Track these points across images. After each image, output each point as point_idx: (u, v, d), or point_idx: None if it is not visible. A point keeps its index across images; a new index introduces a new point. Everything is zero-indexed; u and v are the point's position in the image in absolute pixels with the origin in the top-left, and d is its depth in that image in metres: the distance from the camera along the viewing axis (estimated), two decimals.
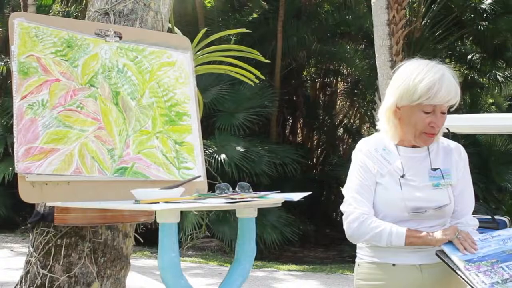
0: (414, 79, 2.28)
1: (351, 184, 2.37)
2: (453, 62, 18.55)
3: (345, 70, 17.29)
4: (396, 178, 2.32)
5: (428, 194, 2.31)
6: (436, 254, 2.21)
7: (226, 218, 11.36)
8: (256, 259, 2.90)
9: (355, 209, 2.31)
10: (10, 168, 12.01)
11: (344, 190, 2.40)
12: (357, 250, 2.44)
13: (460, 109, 15.74)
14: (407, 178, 2.32)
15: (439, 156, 2.39)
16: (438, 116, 2.29)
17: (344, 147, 17.30)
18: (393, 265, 2.30)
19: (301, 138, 17.49)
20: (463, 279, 2.10)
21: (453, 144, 2.46)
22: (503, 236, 2.19)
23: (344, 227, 2.35)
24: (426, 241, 2.23)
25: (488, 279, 2.06)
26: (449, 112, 2.37)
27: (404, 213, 2.29)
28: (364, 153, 2.37)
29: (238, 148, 12.51)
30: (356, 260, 2.45)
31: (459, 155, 2.44)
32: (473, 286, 2.05)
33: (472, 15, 16.04)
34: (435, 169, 2.35)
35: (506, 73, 17.27)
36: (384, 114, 2.39)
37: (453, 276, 2.19)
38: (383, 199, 2.31)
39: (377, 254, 2.33)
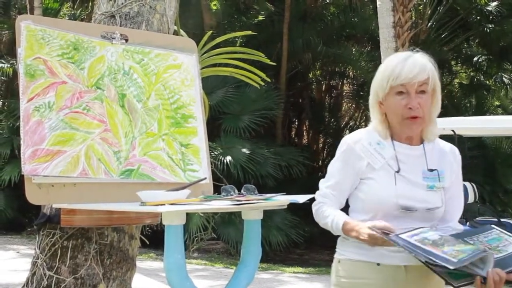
0: (383, 70, 2.34)
1: (329, 178, 2.39)
2: (459, 64, 18.55)
3: (350, 72, 17.30)
4: (391, 173, 2.28)
5: (422, 194, 2.28)
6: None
7: (232, 220, 11.36)
8: (261, 261, 2.90)
9: (318, 196, 2.36)
10: (17, 170, 12.04)
11: (321, 182, 2.40)
12: (338, 246, 2.40)
13: (466, 112, 15.73)
14: (402, 174, 2.29)
15: (435, 157, 2.36)
16: (413, 96, 2.26)
17: None
18: (378, 264, 2.26)
19: (306, 140, 17.49)
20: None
21: (448, 146, 2.43)
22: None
23: None
24: (356, 237, 2.21)
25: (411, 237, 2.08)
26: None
27: (394, 210, 2.25)
28: (357, 147, 2.33)
29: (244, 150, 12.52)
30: (336, 256, 2.39)
31: (454, 158, 2.40)
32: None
33: (478, 17, 16.02)
34: (432, 170, 2.32)
35: None
36: (372, 112, 2.40)
37: (438, 277, 2.17)
38: (375, 194, 2.27)
39: (362, 252, 2.28)
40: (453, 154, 2.41)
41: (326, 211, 2.31)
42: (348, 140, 2.37)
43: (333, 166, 2.39)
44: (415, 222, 2.26)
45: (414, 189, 2.27)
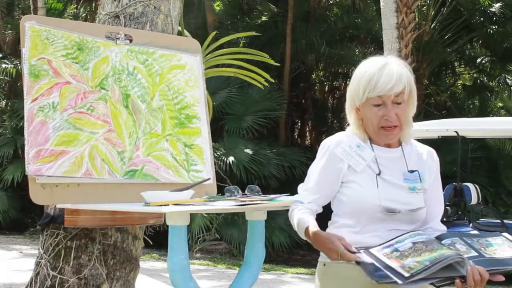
0: (359, 78, 2.30)
1: (307, 181, 2.34)
2: (463, 66, 18.54)
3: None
4: (372, 176, 2.27)
5: (404, 196, 2.27)
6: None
7: (235, 220, 11.37)
8: (264, 262, 2.90)
9: (295, 199, 2.32)
10: (20, 170, 12.06)
11: (299, 186, 2.36)
12: None
13: (469, 113, 15.72)
14: (383, 177, 2.27)
15: (413, 159, 2.35)
16: (389, 108, 2.24)
17: None
18: None
19: (309, 141, 17.49)
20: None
21: (425, 148, 2.42)
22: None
23: None
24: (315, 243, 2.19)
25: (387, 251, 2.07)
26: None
27: (377, 213, 2.24)
28: (337, 150, 2.30)
29: (247, 150, 12.53)
30: (321, 259, 2.34)
31: (432, 159, 2.39)
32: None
33: (482, 19, 16.01)
34: (412, 171, 2.31)
35: None
36: (349, 117, 2.38)
37: None
38: (357, 197, 2.26)
39: None
40: (430, 155, 2.40)
41: (295, 216, 2.26)
42: (329, 143, 2.34)
43: (313, 169, 2.35)
44: (399, 224, 2.26)
45: (396, 191, 2.26)
